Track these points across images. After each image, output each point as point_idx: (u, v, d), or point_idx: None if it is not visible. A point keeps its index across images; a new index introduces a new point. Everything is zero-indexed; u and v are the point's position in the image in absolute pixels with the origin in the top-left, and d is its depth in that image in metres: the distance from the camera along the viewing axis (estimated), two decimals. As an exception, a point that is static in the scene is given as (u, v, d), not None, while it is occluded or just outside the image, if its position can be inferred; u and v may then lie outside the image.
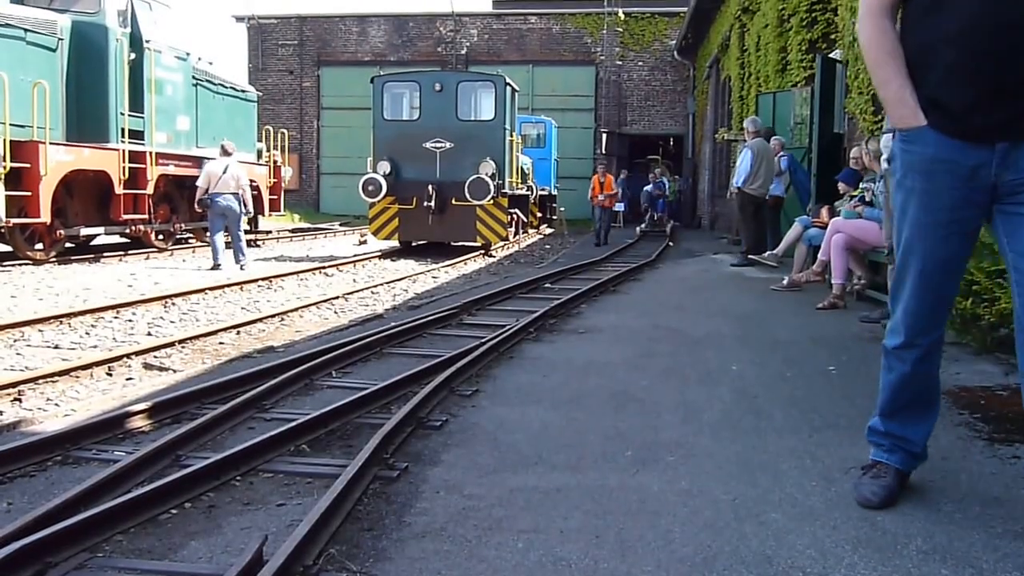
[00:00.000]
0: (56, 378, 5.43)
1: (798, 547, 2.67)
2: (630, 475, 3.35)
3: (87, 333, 7.37)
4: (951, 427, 3.93)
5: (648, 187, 27.79)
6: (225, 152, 13.44)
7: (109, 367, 5.84)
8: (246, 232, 14.51)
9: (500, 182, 16.17)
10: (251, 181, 17.57)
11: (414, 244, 17.13)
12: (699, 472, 3.37)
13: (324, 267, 13.11)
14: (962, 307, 5.27)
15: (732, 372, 5.22)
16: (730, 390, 4.74)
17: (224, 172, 12.97)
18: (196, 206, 13.61)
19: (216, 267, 12.93)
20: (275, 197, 19.69)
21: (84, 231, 13.96)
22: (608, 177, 19.77)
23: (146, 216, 14.79)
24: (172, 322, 8.05)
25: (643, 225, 24.33)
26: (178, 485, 3.09)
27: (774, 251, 10.89)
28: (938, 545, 2.69)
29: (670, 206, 28.24)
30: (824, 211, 9.27)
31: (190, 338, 6.91)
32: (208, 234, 13.71)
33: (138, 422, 4.06)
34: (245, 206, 13.25)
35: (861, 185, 8.40)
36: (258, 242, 18.94)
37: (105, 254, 14.59)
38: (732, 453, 3.61)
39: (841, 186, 8.89)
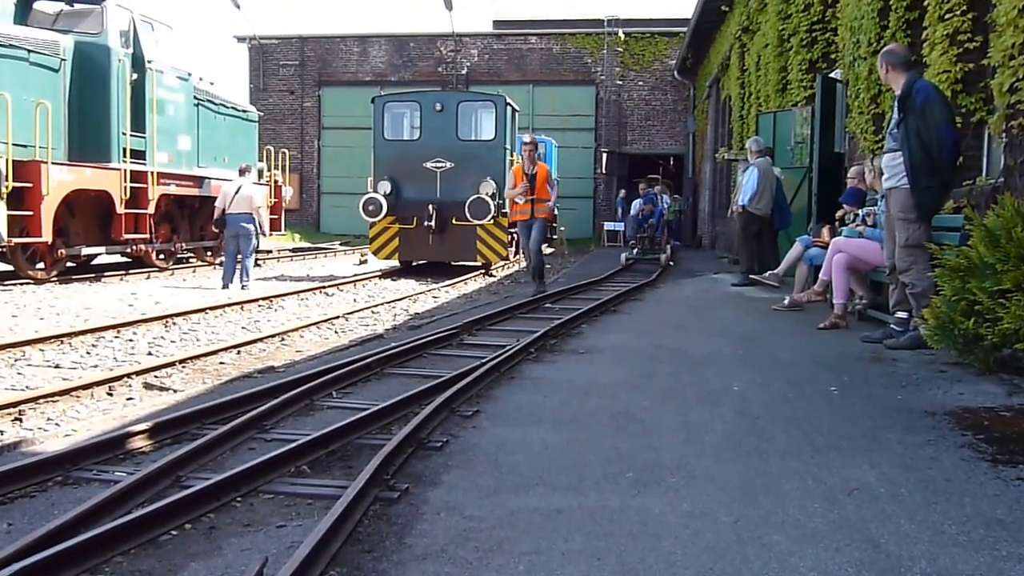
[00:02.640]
0: (57, 398, 5.43)
1: (801, 569, 2.66)
2: (631, 497, 3.33)
3: (88, 353, 7.37)
4: (954, 448, 3.92)
5: (637, 201, 23.32)
6: (240, 172, 13.64)
7: (110, 387, 5.84)
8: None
9: (501, 202, 16.20)
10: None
11: (414, 264, 17.15)
12: (701, 494, 3.36)
13: (324, 287, 13.12)
14: (964, 327, 5.25)
15: (733, 393, 5.20)
16: (731, 411, 4.72)
17: (236, 192, 13.11)
18: (212, 226, 13.72)
19: (224, 287, 12.97)
20: (276, 217, 19.76)
21: (85, 250, 13.99)
22: (542, 168, 11.82)
23: (147, 236, 14.84)
24: (173, 342, 8.05)
25: (633, 251, 18.74)
26: (178, 506, 3.08)
27: (775, 271, 10.87)
28: (942, 568, 2.67)
29: (668, 225, 25.85)
30: (825, 231, 9.26)
31: (191, 358, 6.91)
32: (222, 254, 13.77)
33: (139, 442, 4.06)
34: (260, 227, 13.33)
35: (861, 212, 8.40)
36: (259, 262, 18.95)
37: (106, 273, 14.61)
38: (734, 474, 3.59)
39: (845, 207, 8.88)
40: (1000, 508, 3.18)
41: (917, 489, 3.38)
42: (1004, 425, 4.32)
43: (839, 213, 9.16)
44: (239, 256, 13.24)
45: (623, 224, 27.51)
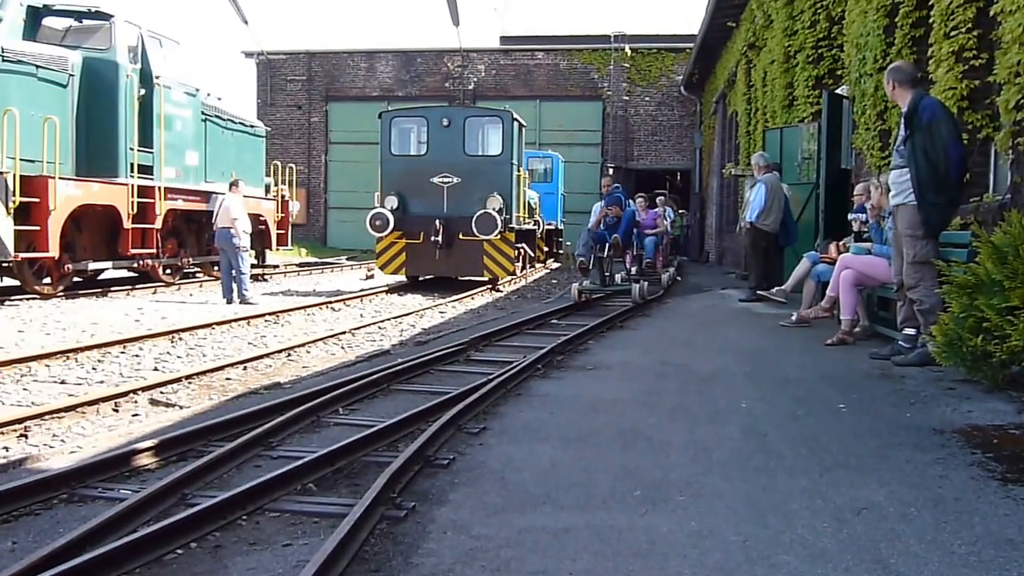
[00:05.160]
0: (62, 414, 5.43)
1: (811, 591, 2.63)
2: (639, 515, 3.31)
3: (94, 368, 7.37)
4: (964, 467, 3.89)
5: (597, 205, 15.21)
6: (229, 186, 13.72)
7: (115, 403, 5.84)
8: (252, 267, 14.55)
9: (507, 217, 16.20)
10: (258, 216, 17.70)
11: (421, 279, 17.15)
12: (709, 512, 3.34)
13: (331, 302, 13.12)
14: (973, 344, 5.23)
15: (741, 410, 5.18)
16: (739, 428, 4.70)
17: (219, 206, 13.23)
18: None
19: (227, 302, 13.00)
20: (282, 232, 19.80)
21: (92, 265, 14.01)
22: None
23: (154, 250, 14.85)
24: (179, 357, 8.05)
25: (587, 280, 12.58)
26: (184, 525, 3.07)
27: (783, 287, 10.85)
28: (953, 589, 2.65)
29: (675, 241, 24.24)
30: (832, 247, 9.25)
31: (197, 374, 6.91)
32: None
33: (144, 460, 4.05)
34: (237, 239, 13.08)
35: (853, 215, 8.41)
36: (265, 276, 18.99)
37: (113, 288, 14.63)
38: (742, 493, 3.57)
39: (858, 219, 8.86)
40: (1011, 528, 3.15)
41: (926, 508, 3.36)
42: (1013, 443, 4.29)
43: (861, 217, 9.10)
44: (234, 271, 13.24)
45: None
